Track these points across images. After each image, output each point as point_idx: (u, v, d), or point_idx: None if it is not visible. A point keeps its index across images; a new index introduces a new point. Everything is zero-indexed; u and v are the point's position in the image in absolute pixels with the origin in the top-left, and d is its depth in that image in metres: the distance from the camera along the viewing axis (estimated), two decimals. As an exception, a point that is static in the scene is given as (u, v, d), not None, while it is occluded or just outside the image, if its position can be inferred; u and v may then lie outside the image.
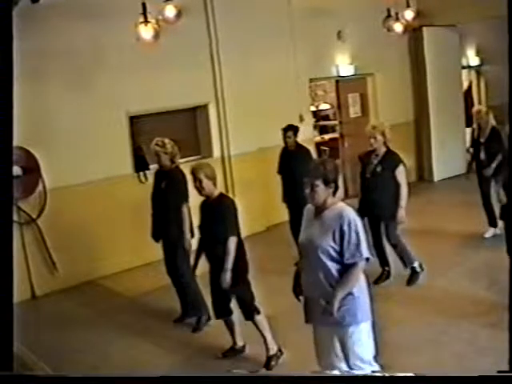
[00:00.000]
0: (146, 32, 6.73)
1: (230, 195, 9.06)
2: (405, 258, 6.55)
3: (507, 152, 6.41)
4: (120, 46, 7.63)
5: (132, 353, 5.59)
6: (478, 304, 5.71)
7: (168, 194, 5.94)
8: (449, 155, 11.78)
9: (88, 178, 7.67)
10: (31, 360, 5.11)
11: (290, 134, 7.42)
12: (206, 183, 4.92)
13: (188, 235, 5.91)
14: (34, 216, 7.36)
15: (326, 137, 13.51)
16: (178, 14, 6.89)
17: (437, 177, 11.80)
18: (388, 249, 6.65)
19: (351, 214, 3.75)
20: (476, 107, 8.17)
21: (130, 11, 6.76)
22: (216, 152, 9.16)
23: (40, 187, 7.34)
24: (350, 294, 3.75)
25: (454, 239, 7.92)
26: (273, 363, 5.02)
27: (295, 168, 7.10)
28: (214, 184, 4.99)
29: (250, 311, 5.06)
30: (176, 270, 6.07)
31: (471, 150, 8.13)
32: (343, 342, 3.84)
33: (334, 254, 3.72)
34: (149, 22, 6.69)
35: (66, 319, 6.56)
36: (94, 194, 7.75)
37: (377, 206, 6.34)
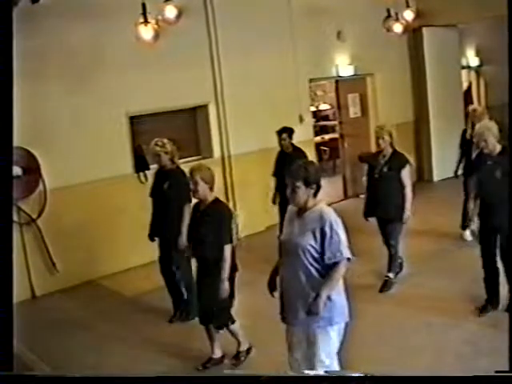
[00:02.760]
0: (146, 32, 6.73)
1: (230, 195, 9.13)
2: (392, 263, 6.50)
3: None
4: (120, 46, 7.63)
5: (132, 353, 5.59)
6: (478, 304, 5.71)
7: (171, 195, 5.94)
8: (448, 155, 11.74)
9: (88, 178, 7.66)
10: (31, 360, 5.12)
11: (284, 136, 7.41)
12: (202, 186, 4.78)
13: (185, 236, 5.82)
14: (34, 216, 7.36)
15: (326, 137, 13.55)
16: (178, 15, 6.90)
17: (436, 177, 11.79)
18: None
19: (332, 215, 3.80)
20: (472, 106, 8.11)
21: (129, 11, 6.76)
22: (216, 152, 9.16)
23: (40, 187, 7.34)
24: (328, 297, 3.77)
25: (453, 239, 7.92)
26: (242, 358, 5.12)
27: None
28: (211, 188, 4.85)
29: (223, 320, 5.00)
30: (171, 269, 6.09)
31: (460, 149, 8.07)
32: (314, 340, 3.88)
33: (314, 253, 3.76)
34: (149, 22, 6.69)
35: (65, 319, 6.56)
36: (94, 195, 7.74)
37: (383, 207, 6.36)
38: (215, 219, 4.81)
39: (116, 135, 8.01)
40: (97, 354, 5.59)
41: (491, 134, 5.34)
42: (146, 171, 8.23)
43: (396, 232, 6.43)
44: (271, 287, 4.16)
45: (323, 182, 3.97)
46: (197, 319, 5.29)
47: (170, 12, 6.86)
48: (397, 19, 9.44)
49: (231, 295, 4.91)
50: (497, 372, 2.37)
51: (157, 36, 6.75)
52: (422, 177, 12.04)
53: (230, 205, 9.11)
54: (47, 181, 7.36)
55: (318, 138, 12.79)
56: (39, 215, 7.38)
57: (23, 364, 4.82)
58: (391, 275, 6.50)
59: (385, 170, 6.37)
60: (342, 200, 10.84)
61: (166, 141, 5.99)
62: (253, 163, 9.10)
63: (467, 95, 13.60)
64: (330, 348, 3.90)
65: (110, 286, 7.55)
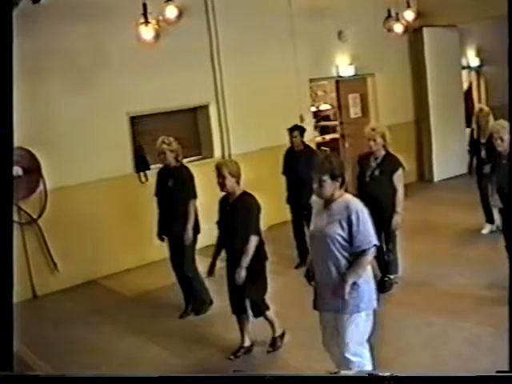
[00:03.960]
0: (147, 32, 6.72)
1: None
2: (390, 266, 6.39)
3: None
4: (121, 46, 7.64)
5: (132, 352, 5.59)
6: (478, 303, 5.71)
7: (176, 191, 6.02)
8: (449, 155, 11.78)
9: (89, 178, 7.67)
10: (31, 360, 5.13)
11: (295, 133, 7.35)
12: (229, 180, 4.94)
13: (191, 231, 5.99)
14: (35, 216, 7.37)
15: (327, 137, 13.53)
16: (179, 15, 6.89)
17: (437, 177, 11.79)
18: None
19: (358, 205, 3.95)
20: (478, 106, 8.14)
21: (130, 11, 6.76)
22: (217, 152, 9.17)
23: (41, 187, 7.34)
24: (355, 283, 3.92)
25: (453, 239, 7.92)
26: (278, 344, 5.27)
27: (301, 169, 6.92)
28: (238, 182, 5.01)
29: (260, 308, 5.15)
30: (182, 265, 6.15)
31: (469, 150, 8.17)
32: (342, 327, 4.01)
33: (342, 242, 3.91)
34: (149, 22, 6.69)
35: (66, 319, 6.56)
36: (95, 194, 7.75)
37: (373, 210, 6.13)
38: (244, 211, 4.97)
39: (117, 135, 8.01)
40: (97, 353, 5.59)
41: (506, 132, 5.38)
42: (147, 171, 8.25)
43: (388, 237, 6.25)
44: (309, 277, 4.28)
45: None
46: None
47: (171, 12, 6.85)
48: (397, 19, 9.43)
49: (264, 283, 5.09)
50: (497, 372, 2.37)
51: (157, 36, 6.74)
52: (423, 177, 12.05)
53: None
54: (48, 181, 7.36)
55: (319, 138, 12.78)
56: (40, 215, 7.38)
57: (23, 364, 4.83)
58: (391, 276, 6.46)
59: (376, 173, 6.17)
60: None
61: (172, 139, 6.09)
62: (253, 163, 9.09)
63: (467, 95, 13.60)
64: (358, 334, 4.04)
65: (111, 286, 7.55)
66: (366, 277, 4.02)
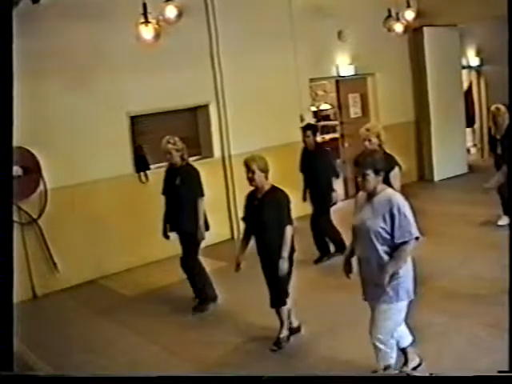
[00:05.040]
0: (147, 32, 6.72)
1: (231, 195, 9.13)
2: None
3: None
4: (120, 46, 7.64)
5: (133, 352, 5.59)
6: (479, 303, 5.71)
7: (184, 190, 6.13)
8: (449, 155, 11.78)
9: (89, 178, 7.67)
10: (31, 360, 5.13)
11: (308, 133, 7.46)
12: (258, 175, 5.04)
13: (203, 228, 6.16)
14: (35, 216, 7.37)
15: (327, 137, 13.54)
16: (179, 15, 6.89)
17: (437, 177, 11.80)
18: None
19: (400, 199, 4.09)
20: (494, 105, 8.42)
21: (130, 11, 6.76)
22: (217, 152, 9.17)
23: (41, 187, 7.34)
24: (396, 273, 4.06)
25: (453, 239, 7.92)
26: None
27: (315, 168, 7.40)
28: (266, 177, 5.12)
29: (282, 298, 5.25)
30: (190, 262, 6.26)
31: (489, 146, 8.50)
32: (378, 314, 4.19)
33: (385, 234, 4.04)
34: (149, 22, 6.69)
35: (66, 319, 6.57)
36: (95, 194, 7.75)
37: None
38: (275, 204, 5.08)
39: (117, 135, 8.01)
40: (97, 353, 5.58)
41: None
42: (147, 171, 8.25)
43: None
44: (347, 270, 4.45)
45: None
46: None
47: (171, 12, 6.85)
48: (397, 19, 9.44)
49: (289, 274, 5.17)
50: (499, 372, 2.37)
51: (157, 36, 6.75)
52: (423, 176, 12.05)
53: (231, 204, 9.14)
54: (48, 180, 7.36)
55: (319, 138, 12.77)
56: (40, 215, 7.38)
57: (23, 364, 4.83)
58: None
59: None
60: (342, 200, 10.82)
61: (177, 139, 6.21)
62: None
63: (468, 95, 13.60)
64: (391, 324, 4.19)
65: (111, 286, 7.56)
66: (406, 268, 4.14)
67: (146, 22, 6.68)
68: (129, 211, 7.98)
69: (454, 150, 11.83)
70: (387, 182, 6.14)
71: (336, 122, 12.01)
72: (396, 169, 6.20)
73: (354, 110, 11.23)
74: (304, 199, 7.65)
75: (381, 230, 4.04)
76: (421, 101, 11.82)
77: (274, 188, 5.18)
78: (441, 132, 11.65)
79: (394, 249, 4.06)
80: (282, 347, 5.29)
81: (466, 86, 13.78)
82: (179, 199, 6.18)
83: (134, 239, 7.99)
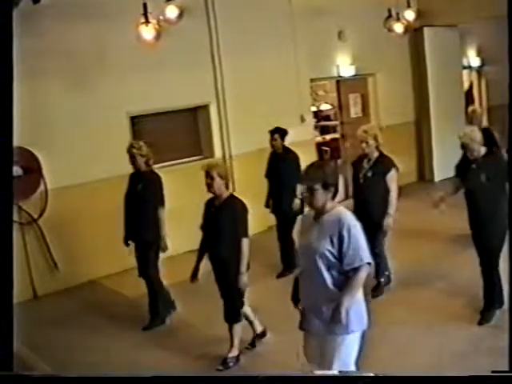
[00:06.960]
0: (147, 32, 6.73)
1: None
2: (380, 269, 6.32)
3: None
4: (121, 46, 7.63)
5: (132, 353, 5.60)
6: (479, 304, 5.70)
7: (145, 197, 5.96)
8: (449, 155, 11.74)
9: (89, 178, 7.67)
10: (31, 360, 5.12)
11: (276, 136, 7.31)
12: (218, 182, 4.91)
13: (165, 237, 5.98)
14: (35, 216, 7.37)
15: (327, 137, 13.53)
16: (180, 15, 6.90)
17: (437, 177, 11.79)
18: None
19: (351, 219, 3.65)
20: (472, 107, 8.15)
21: (131, 11, 6.76)
22: (217, 152, 9.16)
23: (41, 187, 7.34)
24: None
25: (453, 239, 7.91)
26: (257, 343, 5.37)
27: (281, 172, 7.17)
28: (226, 184, 5.00)
29: (236, 314, 5.13)
30: (149, 271, 6.13)
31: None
32: (329, 349, 3.73)
33: (332, 259, 3.61)
34: (150, 22, 6.69)
35: (66, 319, 6.57)
36: (95, 194, 7.74)
37: (367, 212, 5.92)
38: (232, 214, 4.92)
39: (117, 135, 7.99)
40: (97, 353, 5.59)
41: (476, 143, 5.44)
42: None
43: (376, 239, 6.05)
44: (295, 300, 3.96)
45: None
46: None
47: (172, 12, 6.86)
48: (398, 19, 9.44)
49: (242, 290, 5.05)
50: (495, 372, 2.37)
51: (158, 36, 6.75)
52: (423, 177, 12.05)
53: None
54: (48, 181, 7.36)
55: (319, 138, 12.79)
56: (40, 215, 7.38)
57: (23, 364, 4.82)
58: (381, 279, 6.39)
59: (369, 174, 6.18)
60: (342, 200, 10.80)
61: (142, 143, 6.05)
62: (254, 163, 9.09)
63: (468, 95, 13.60)
64: (346, 357, 3.73)
65: (111, 286, 7.55)
66: (357, 297, 3.69)
67: (147, 22, 6.69)
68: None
69: (454, 150, 11.79)
70: (385, 184, 6.16)
71: (336, 122, 12.01)
72: (393, 171, 6.20)
73: (355, 110, 11.23)
74: (267, 206, 7.49)
75: (327, 253, 3.58)
76: (421, 101, 11.82)
77: (232, 197, 5.04)
78: (441, 132, 11.63)
79: (347, 276, 3.60)
80: (229, 367, 5.09)
81: (466, 86, 13.79)
82: (139, 206, 5.97)
83: (134, 239, 7.98)
